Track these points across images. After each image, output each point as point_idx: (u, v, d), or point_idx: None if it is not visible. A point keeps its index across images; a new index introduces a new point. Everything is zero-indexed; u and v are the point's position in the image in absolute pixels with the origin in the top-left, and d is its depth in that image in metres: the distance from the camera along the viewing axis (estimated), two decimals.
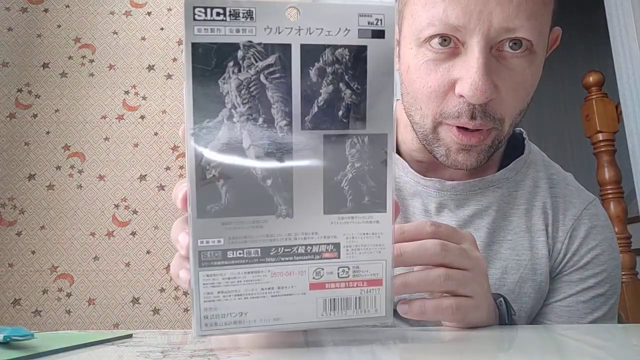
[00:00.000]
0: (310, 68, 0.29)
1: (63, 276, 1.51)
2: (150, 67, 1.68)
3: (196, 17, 0.28)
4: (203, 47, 0.28)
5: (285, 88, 0.29)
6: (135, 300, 1.51)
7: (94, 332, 0.43)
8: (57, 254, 1.52)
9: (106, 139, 1.62)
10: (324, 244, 0.31)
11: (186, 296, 1.54)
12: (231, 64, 0.28)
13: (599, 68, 2.07)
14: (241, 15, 0.28)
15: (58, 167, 1.58)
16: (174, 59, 1.69)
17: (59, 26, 1.69)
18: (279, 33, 0.29)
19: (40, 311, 1.48)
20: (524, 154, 0.65)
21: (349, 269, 0.32)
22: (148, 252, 1.55)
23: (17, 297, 1.48)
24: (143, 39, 1.70)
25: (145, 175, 1.61)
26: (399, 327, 0.59)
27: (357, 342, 0.38)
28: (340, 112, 0.30)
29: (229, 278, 0.30)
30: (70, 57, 1.66)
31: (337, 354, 0.33)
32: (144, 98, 1.66)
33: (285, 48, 0.29)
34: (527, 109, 0.56)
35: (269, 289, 0.31)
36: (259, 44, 0.28)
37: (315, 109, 0.30)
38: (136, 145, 1.62)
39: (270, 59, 0.29)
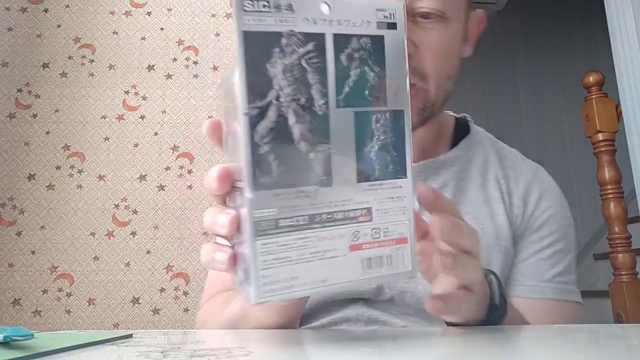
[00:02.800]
0: (341, 54, 0.34)
1: (63, 276, 1.51)
2: (150, 67, 1.68)
3: (245, 8, 0.31)
4: (252, 34, 0.31)
5: (322, 71, 0.33)
6: (135, 300, 1.51)
7: (94, 332, 0.43)
8: (57, 254, 1.52)
9: (106, 139, 1.62)
10: (359, 209, 0.35)
11: (186, 296, 1.54)
12: (277, 50, 0.32)
13: (599, 68, 2.07)
14: (283, 7, 0.32)
15: (58, 167, 1.58)
16: (174, 59, 1.69)
17: (59, 26, 1.69)
18: (315, 24, 0.33)
19: (40, 311, 1.48)
20: (471, 134, 0.73)
21: (380, 230, 0.36)
22: (148, 252, 1.55)
23: (17, 297, 1.48)
24: (143, 39, 1.70)
25: (145, 175, 1.61)
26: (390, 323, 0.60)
27: (357, 343, 0.38)
28: (367, 92, 0.35)
29: (282, 245, 0.33)
30: (70, 57, 1.66)
31: (336, 354, 0.33)
32: (144, 98, 1.66)
33: (321, 37, 0.33)
34: (455, 78, 0.63)
35: (316, 252, 0.34)
36: (300, 32, 0.32)
37: (347, 89, 0.34)
38: (136, 145, 1.62)
39: (310, 46, 0.33)
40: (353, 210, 0.35)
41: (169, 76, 1.68)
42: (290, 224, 0.33)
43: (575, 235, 0.70)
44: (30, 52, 1.65)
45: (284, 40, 0.32)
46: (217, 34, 1.73)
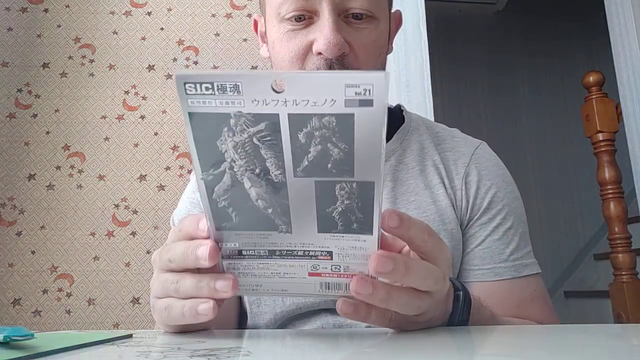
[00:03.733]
0: (299, 133, 0.31)
1: (63, 276, 1.51)
2: (150, 67, 1.68)
3: (187, 91, 0.30)
4: (198, 116, 0.31)
5: (276, 148, 0.32)
6: (135, 300, 1.51)
7: (94, 332, 0.43)
8: (57, 254, 1.52)
9: (106, 139, 1.62)
10: (319, 250, 0.36)
11: None
12: (225, 129, 0.31)
13: (599, 68, 2.07)
14: (228, 89, 0.29)
15: (58, 167, 1.58)
16: (174, 59, 1.69)
17: (59, 26, 1.69)
18: (266, 105, 0.30)
19: (40, 311, 1.48)
20: (405, 123, 0.73)
21: (340, 267, 0.37)
22: (148, 252, 1.55)
23: (17, 297, 1.48)
24: (143, 39, 1.70)
25: (145, 175, 1.61)
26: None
27: (357, 343, 0.38)
28: (329, 165, 0.32)
29: (245, 266, 0.38)
30: (70, 57, 1.66)
31: (336, 354, 0.33)
32: (144, 98, 1.66)
33: (274, 116, 0.30)
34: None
35: (277, 273, 0.38)
36: (248, 113, 0.30)
37: (306, 162, 0.32)
38: (136, 145, 1.62)
39: (261, 126, 0.31)
40: (313, 251, 0.36)
41: (169, 76, 1.68)
42: (252, 254, 0.37)
43: (523, 206, 0.70)
44: (30, 52, 1.65)
45: (232, 121, 0.31)
46: (217, 34, 1.73)
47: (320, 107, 0.30)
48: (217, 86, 0.29)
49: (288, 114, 0.30)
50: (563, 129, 3.44)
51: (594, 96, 1.85)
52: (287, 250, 0.36)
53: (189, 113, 0.31)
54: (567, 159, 3.40)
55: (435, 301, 0.40)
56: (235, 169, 0.33)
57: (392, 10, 0.69)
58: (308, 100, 0.29)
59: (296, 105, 0.30)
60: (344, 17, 0.59)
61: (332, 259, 0.36)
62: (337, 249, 0.36)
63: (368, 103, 0.29)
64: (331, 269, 0.37)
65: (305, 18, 0.59)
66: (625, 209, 1.78)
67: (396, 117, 0.74)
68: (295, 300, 0.62)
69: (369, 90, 0.29)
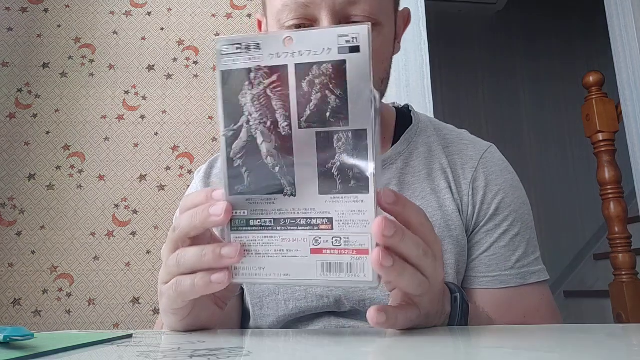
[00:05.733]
0: (303, 81, 0.37)
1: (63, 276, 1.51)
2: (150, 67, 1.68)
3: (223, 52, 0.38)
4: (227, 73, 0.38)
5: (285, 97, 0.37)
6: (135, 300, 1.51)
7: (94, 332, 0.43)
8: (57, 254, 1.52)
9: (106, 139, 1.62)
10: (320, 217, 0.38)
11: None
12: (246, 83, 0.38)
13: (599, 68, 2.07)
14: (252, 47, 0.38)
15: (58, 167, 1.58)
16: (174, 59, 1.69)
17: (59, 26, 1.69)
18: (279, 57, 0.37)
19: (40, 311, 1.48)
20: (412, 125, 0.71)
21: (340, 238, 0.38)
22: (148, 252, 1.55)
23: (17, 297, 1.48)
24: (143, 39, 1.70)
25: (145, 175, 1.61)
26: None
27: (358, 343, 0.38)
28: (328, 114, 0.37)
29: (251, 240, 0.39)
30: (70, 57, 1.66)
31: (336, 354, 0.33)
32: (144, 98, 1.66)
33: (284, 68, 0.37)
34: (387, 79, 0.64)
35: (280, 250, 0.39)
36: (265, 66, 0.38)
37: (308, 112, 0.37)
38: (136, 145, 1.62)
39: (274, 77, 0.37)
40: (315, 218, 0.39)
41: (169, 76, 1.68)
42: (259, 224, 0.39)
43: (531, 211, 0.68)
44: (30, 52, 1.65)
45: (252, 75, 0.38)
46: (217, 34, 1.73)
47: (319, 55, 0.37)
48: (245, 45, 0.38)
49: (295, 64, 0.37)
50: (563, 129, 3.44)
51: (594, 96, 1.85)
52: (290, 219, 0.39)
53: (222, 71, 0.38)
54: (567, 159, 3.40)
55: (431, 287, 0.40)
56: (251, 123, 0.38)
57: (400, 9, 0.67)
58: (310, 51, 0.37)
59: (301, 55, 0.37)
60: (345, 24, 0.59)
61: (332, 228, 0.38)
62: (337, 215, 0.38)
63: (356, 49, 0.36)
64: (332, 243, 0.38)
65: (305, 26, 0.58)
66: (625, 209, 1.78)
67: (404, 118, 0.73)
68: (298, 304, 0.61)
69: (356, 38, 0.36)
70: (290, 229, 0.39)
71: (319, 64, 0.37)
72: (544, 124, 3.44)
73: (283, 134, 0.38)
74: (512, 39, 3.55)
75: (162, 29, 1.72)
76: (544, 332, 0.43)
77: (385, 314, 0.38)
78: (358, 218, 0.38)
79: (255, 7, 1.77)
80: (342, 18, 0.58)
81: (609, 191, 1.79)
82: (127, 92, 1.65)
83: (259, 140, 0.38)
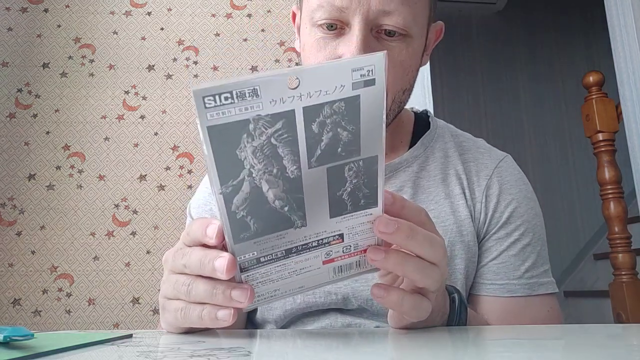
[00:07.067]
0: (313, 123, 0.32)
1: (63, 276, 1.51)
2: (150, 67, 1.68)
3: (207, 105, 0.29)
4: (217, 128, 0.30)
5: (292, 143, 0.32)
6: (135, 300, 1.51)
7: (94, 332, 0.43)
8: (57, 254, 1.52)
9: (106, 139, 1.62)
10: (332, 236, 0.38)
11: None
12: (245, 136, 0.31)
13: (599, 68, 2.07)
14: (247, 94, 0.30)
15: (58, 167, 1.58)
16: (174, 59, 1.69)
17: (59, 26, 1.68)
18: (283, 102, 0.30)
19: (40, 311, 1.48)
20: (430, 130, 0.72)
21: (350, 246, 0.39)
22: (148, 252, 1.55)
23: (17, 297, 1.48)
24: (143, 39, 1.70)
25: (145, 175, 1.61)
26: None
27: (358, 343, 0.38)
28: (339, 149, 0.34)
29: (263, 274, 0.38)
30: (70, 57, 1.66)
31: (336, 354, 0.33)
32: (144, 98, 1.66)
33: (290, 113, 0.31)
34: (411, 89, 0.64)
35: (293, 271, 0.39)
36: (267, 115, 0.31)
37: (319, 151, 0.33)
38: (136, 145, 1.62)
39: (278, 125, 0.31)
40: (326, 237, 0.38)
41: (169, 76, 1.68)
42: (269, 259, 0.37)
43: (543, 224, 0.68)
44: (30, 52, 1.65)
45: (251, 126, 0.31)
46: (217, 34, 1.73)
47: (331, 94, 0.31)
48: (236, 94, 0.29)
49: (303, 108, 0.31)
50: (563, 129, 3.44)
51: (594, 96, 1.85)
52: (302, 245, 0.37)
53: (208, 127, 0.30)
54: (567, 158, 3.40)
55: (440, 284, 0.40)
56: (254, 175, 0.33)
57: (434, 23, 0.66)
58: (320, 91, 0.31)
59: (310, 97, 0.31)
60: (376, 33, 0.57)
61: (343, 240, 0.38)
62: (347, 229, 0.38)
63: (371, 82, 0.32)
64: (343, 251, 0.38)
65: (337, 27, 0.58)
66: (625, 209, 1.78)
67: (422, 123, 0.73)
68: (306, 298, 0.62)
69: (372, 70, 0.31)
70: (303, 253, 0.38)
71: (331, 103, 0.32)
72: (544, 124, 3.44)
73: (292, 177, 0.34)
74: (512, 39, 3.55)
75: (162, 29, 1.72)
76: (544, 332, 0.43)
77: (387, 290, 0.39)
78: (367, 227, 0.38)
79: (255, 7, 1.77)
80: (374, 27, 0.57)
81: (609, 191, 1.79)
82: (127, 92, 1.65)
83: (264, 188, 0.34)
